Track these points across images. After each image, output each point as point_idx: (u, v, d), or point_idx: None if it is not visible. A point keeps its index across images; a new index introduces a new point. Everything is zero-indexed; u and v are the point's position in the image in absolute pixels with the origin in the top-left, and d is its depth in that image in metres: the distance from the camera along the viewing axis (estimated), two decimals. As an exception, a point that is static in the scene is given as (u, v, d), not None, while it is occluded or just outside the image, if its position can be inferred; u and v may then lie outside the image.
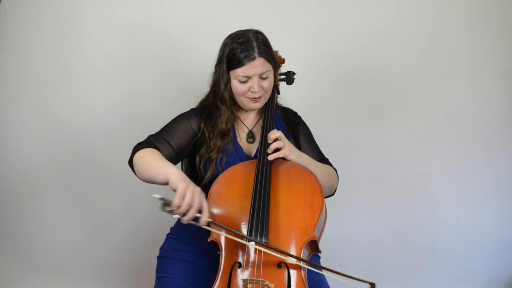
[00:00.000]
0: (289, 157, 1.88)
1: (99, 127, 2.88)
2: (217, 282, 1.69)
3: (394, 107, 2.99)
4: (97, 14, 2.85)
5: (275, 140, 1.87)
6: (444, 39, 2.98)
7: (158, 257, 2.03)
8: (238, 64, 1.87)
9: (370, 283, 1.67)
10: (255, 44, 1.88)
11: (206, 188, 1.89)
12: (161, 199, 1.57)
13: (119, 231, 2.92)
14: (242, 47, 1.87)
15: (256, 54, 1.87)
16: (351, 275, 1.66)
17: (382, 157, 2.98)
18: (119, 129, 2.88)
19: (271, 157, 1.86)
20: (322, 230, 1.81)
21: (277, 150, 1.87)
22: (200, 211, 1.61)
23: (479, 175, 3.00)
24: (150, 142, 1.87)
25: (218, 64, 1.95)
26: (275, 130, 1.90)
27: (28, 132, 2.86)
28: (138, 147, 1.85)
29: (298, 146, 2.03)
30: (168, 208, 1.58)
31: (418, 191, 3.00)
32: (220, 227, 1.67)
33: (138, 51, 2.88)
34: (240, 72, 1.88)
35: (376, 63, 2.96)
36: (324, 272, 1.76)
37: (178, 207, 1.58)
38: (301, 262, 1.69)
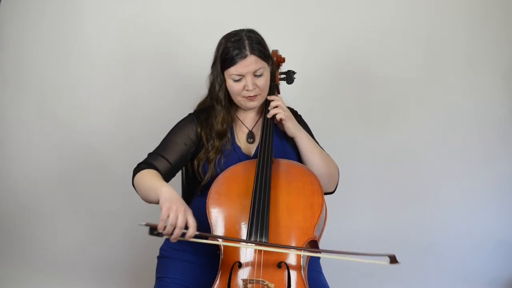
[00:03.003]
0: (286, 123, 1.93)
1: (99, 127, 2.89)
2: (217, 282, 1.70)
3: (394, 107, 2.99)
4: (97, 14, 2.85)
5: (275, 107, 1.94)
6: (444, 39, 2.98)
7: (158, 257, 2.03)
8: (231, 63, 1.88)
9: (388, 256, 1.64)
10: (246, 42, 1.89)
11: (206, 188, 1.91)
12: (147, 225, 1.63)
13: (119, 231, 2.92)
14: (234, 45, 1.88)
15: (247, 52, 1.87)
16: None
17: (382, 157, 2.98)
18: (119, 129, 2.88)
19: (269, 114, 1.93)
20: (322, 230, 1.81)
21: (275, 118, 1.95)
22: (187, 227, 1.65)
23: (479, 175, 3.00)
24: (147, 162, 1.91)
25: (213, 65, 1.97)
26: (274, 97, 1.97)
27: (28, 132, 2.86)
28: (138, 168, 1.90)
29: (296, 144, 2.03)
30: (155, 232, 1.64)
31: (418, 191, 3.00)
32: (216, 237, 1.71)
33: (138, 51, 2.88)
34: (233, 70, 1.89)
35: (376, 63, 2.96)
36: (336, 256, 1.73)
37: (164, 228, 1.63)
38: (302, 251, 1.69)
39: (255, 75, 1.90)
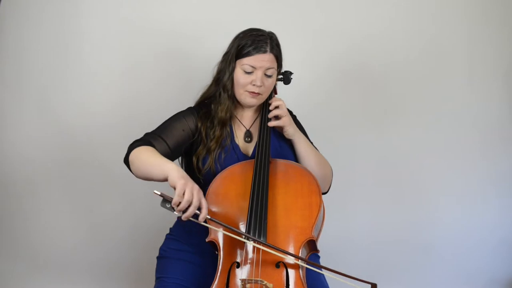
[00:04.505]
0: (286, 128, 1.95)
1: (99, 126, 2.88)
2: (216, 282, 1.70)
3: (394, 107, 2.99)
4: (97, 13, 2.84)
5: (276, 107, 1.95)
6: (444, 39, 2.98)
7: (158, 257, 2.04)
8: (248, 53, 1.90)
9: (371, 284, 1.66)
10: (268, 40, 1.92)
11: (204, 184, 1.90)
12: (161, 195, 1.61)
13: (119, 231, 2.92)
14: (255, 39, 1.91)
15: (268, 49, 1.90)
16: (351, 275, 1.66)
17: (382, 157, 2.98)
18: (119, 129, 2.88)
19: (270, 124, 1.94)
20: (320, 230, 1.82)
21: (276, 118, 1.95)
22: (199, 208, 1.64)
23: (479, 175, 3.00)
24: (145, 140, 1.88)
25: (227, 53, 1.98)
26: (277, 98, 1.99)
27: (28, 131, 2.86)
28: (134, 144, 1.86)
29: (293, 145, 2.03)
30: (168, 205, 1.62)
31: (418, 191, 3.00)
32: (219, 224, 1.69)
33: (138, 51, 2.87)
34: (247, 61, 1.90)
35: (376, 63, 2.96)
36: (324, 272, 1.75)
37: (178, 204, 1.61)
38: (299, 260, 1.69)
39: (265, 74, 1.92)
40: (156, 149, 1.85)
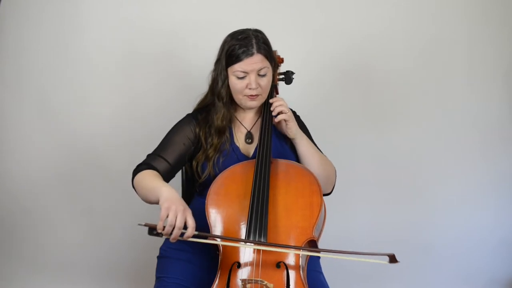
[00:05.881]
0: (290, 125, 1.94)
1: (99, 126, 2.88)
2: (216, 282, 1.70)
3: (394, 108, 2.99)
4: (97, 14, 2.85)
5: (280, 105, 1.94)
6: (444, 39, 2.98)
7: (158, 257, 2.04)
8: (236, 59, 1.89)
9: (388, 255, 1.62)
10: (254, 41, 1.90)
11: (205, 187, 1.92)
12: (146, 225, 1.64)
13: (119, 231, 2.92)
14: (241, 43, 1.89)
15: (254, 50, 1.88)
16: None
17: (381, 157, 2.98)
18: (119, 128, 2.88)
19: (277, 119, 1.93)
20: (321, 230, 1.81)
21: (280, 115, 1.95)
22: (186, 227, 1.65)
23: (478, 175, 3.00)
24: (146, 163, 1.92)
25: (217, 61, 1.97)
26: (277, 98, 1.98)
27: (28, 131, 2.86)
28: (136, 170, 1.91)
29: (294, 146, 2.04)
30: (154, 232, 1.64)
31: (418, 191, 3.00)
32: (214, 237, 1.71)
33: (138, 51, 2.88)
34: (237, 67, 1.89)
35: (376, 63, 2.96)
36: (337, 256, 1.72)
37: (163, 228, 1.63)
38: (301, 250, 1.69)
39: (259, 75, 1.91)
40: (158, 169, 1.89)
